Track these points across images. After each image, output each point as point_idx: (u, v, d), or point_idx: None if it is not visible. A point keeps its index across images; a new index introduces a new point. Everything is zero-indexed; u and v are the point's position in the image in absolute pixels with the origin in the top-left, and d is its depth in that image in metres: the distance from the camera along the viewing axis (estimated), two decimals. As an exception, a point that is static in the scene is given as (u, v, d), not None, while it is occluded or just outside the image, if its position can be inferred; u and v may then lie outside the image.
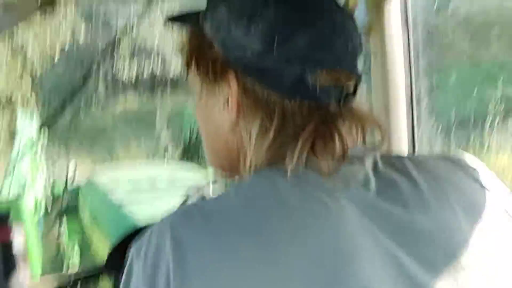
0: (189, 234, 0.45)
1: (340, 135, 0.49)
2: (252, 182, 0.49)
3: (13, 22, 0.74)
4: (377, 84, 1.09)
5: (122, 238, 1.42)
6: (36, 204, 2.68)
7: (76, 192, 3.17)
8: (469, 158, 0.56)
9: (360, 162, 0.50)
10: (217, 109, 0.55)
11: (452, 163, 0.55)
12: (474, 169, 0.55)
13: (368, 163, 0.51)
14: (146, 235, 0.48)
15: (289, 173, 0.47)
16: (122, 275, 1.33)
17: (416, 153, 1.10)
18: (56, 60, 9.88)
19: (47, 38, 10.21)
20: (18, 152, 3.03)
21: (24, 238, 2.26)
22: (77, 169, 3.82)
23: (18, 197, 2.42)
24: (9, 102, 9.32)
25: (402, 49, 1.08)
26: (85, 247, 2.24)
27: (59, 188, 3.69)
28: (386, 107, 1.09)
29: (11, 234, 1.15)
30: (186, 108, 4.75)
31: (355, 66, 0.53)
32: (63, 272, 3.46)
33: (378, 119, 0.55)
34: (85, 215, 2.24)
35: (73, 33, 10.65)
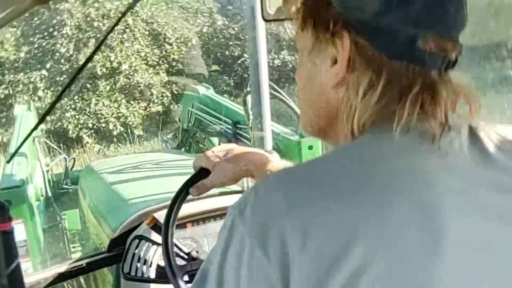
0: (300, 191, 0.47)
1: (443, 101, 0.51)
2: (358, 145, 0.52)
3: (6, 20, 0.74)
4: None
5: (123, 225, 1.43)
6: (36, 192, 2.68)
7: (75, 180, 3.17)
8: None
9: (457, 131, 0.52)
10: (325, 67, 0.56)
11: None
12: None
13: (464, 132, 0.53)
14: (247, 197, 0.49)
15: (396, 136, 0.49)
16: (123, 261, 1.33)
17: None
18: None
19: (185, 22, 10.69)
20: (17, 139, 3.03)
21: (25, 226, 2.28)
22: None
23: (18, 186, 2.43)
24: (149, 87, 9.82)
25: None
26: (86, 234, 2.25)
27: (59, 176, 3.69)
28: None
29: (12, 222, 1.15)
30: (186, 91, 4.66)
31: (458, 36, 0.54)
32: (65, 259, 3.48)
33: (472, 92, 0.55)
34: (85, 202, 2.25)
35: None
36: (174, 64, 10.51)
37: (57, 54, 9.46)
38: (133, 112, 9.81)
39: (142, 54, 10.01)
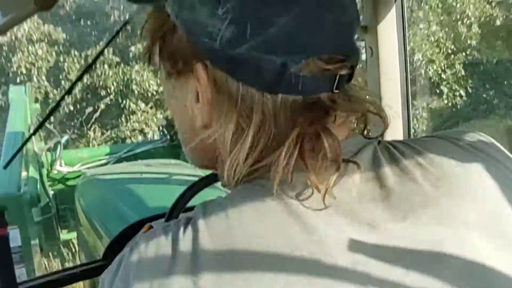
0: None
1: (331, 136, 0.41)
2: (226, 214, 0.40)
3: (8, 25, 0.74)
4: (373, 80, 1.09)
5: (119, 232, 1.43)
6: (32, 198, 2.67)
7: (72, 186, 3.16)
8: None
9: (359, 158, 0.43)
10: (189, 103, 0.46)
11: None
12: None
13: (365, 159, 0.44)
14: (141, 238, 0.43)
15: (274, 193, 0.40)
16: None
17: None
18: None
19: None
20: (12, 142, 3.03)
21: (20, 233, 2.26)
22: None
23: (14, 192, 2.42)
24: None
25: (397, 45, 1.09)
26: (82, 242, 2.24)
27: (55, 180, 3.68)
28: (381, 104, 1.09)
29: (7, 228, 1.14)
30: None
31: (350, 43, 0.44)
32: (61, 266, 3.46)
33: (378, 104, 0.47)
34: (81, 209, 2.24)
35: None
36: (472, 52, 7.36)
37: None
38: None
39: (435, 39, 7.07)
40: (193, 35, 0.43)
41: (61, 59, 8.80)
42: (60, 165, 3.65)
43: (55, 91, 8.57)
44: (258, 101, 0.41)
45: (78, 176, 2.94)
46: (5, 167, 2.28)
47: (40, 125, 1.78)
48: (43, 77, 8.57)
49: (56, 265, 3.32)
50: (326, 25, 0.41)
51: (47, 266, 2.88)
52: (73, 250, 3.60)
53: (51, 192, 3.43)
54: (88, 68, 1.39)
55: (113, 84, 8.38)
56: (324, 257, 0.38)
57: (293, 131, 0.41)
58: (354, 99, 0.44)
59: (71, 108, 8.80)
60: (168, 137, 4.08)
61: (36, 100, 8.24)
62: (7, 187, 2.43)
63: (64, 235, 3.53)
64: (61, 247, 3.69)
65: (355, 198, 0.42)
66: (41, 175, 3.28)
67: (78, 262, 2.67)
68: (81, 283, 1.58)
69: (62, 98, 1.59)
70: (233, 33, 0.40)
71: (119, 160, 3.86)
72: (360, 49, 0.45)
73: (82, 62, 8.66)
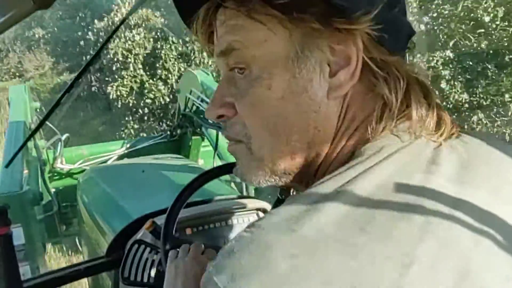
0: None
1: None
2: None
3: (7, 25, 0.74)
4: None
5: (122, 228, 1.43)
6: (34, 196, 2.68)
7: (73, 183, 3.17)
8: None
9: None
10: (316, 78, 0.43)
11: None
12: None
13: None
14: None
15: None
16: (122, 266, 1.33)
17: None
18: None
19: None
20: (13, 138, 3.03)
21: (24, 231, 2.27)
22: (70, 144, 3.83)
23: (17, 190, 2.42)
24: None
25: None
26: (85, 239, 2.25)
27: (56, 177, 3.68)
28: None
29: (10, 226, 1.15)
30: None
31: None
32: (63, 264, 3.47)
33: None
34: (83, 206, 2.25)
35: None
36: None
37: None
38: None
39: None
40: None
41: (158, 45, 8.03)
42: (61, 163, 3.65)
43: (150, 80, 7.98)
44: (398, 63, 0.45)
45: (80, 173, 2.95)
46: (7, 165, 2.28)
47: (41, 124, 1.77)
48: (140, 65, 7.94)
49: (59, 262, 3.33)
50: None
51: (51, 263, 2.89)
52: (76, 247, 3.61)
53: (52, 190, 3.44)
54: (88, 66, 1.38)
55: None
56: None
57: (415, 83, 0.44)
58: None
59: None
60: (169, 132, 4.08)
61: (131, 91, 7.60)
62: (10, 186, 2.43)
63: (66, 232, 3.54)
64: (64, 244, 3.71)
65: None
66: (42, 173, 3.28)
67: (82, 259, 2.68)
68: (84, 279, 1.58)
69: (62, 97, 1.57)
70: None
71: (120, 157, 3.86)
72: None
73: (180, 48, 7.97)
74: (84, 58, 10.73)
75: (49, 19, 13.42)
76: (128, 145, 3.97)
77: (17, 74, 14.65)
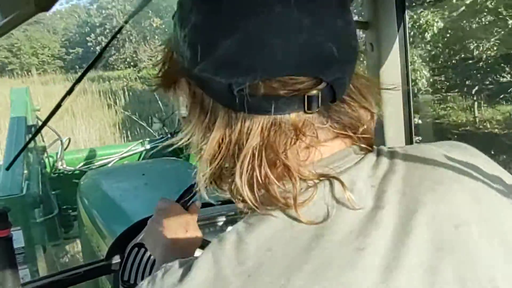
0: None
1: (288, 157, 0.44)
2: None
3: (8, 26, 0.74)
4: (373, 77, 1.09)
5: (121, 233, 1.43)
6: (34, 199, 2.68)
7: (73, 186, 3.17)
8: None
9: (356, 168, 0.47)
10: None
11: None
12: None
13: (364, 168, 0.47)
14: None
15: None
16: (122, 269, 1.33)
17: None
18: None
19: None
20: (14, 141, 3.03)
21: (23, 234, 2.26)
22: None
23: (17, 193, 2.42)
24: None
25: (397, 41, 1.08)
26: (85, 242, 2.25)
27: (56, 180, 3.68)
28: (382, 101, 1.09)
29: (10, 229, 1.14)
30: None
31: (322, 63, 0.43)
32: (63, 267, 3.47)
33: (366, 117, 0.49)
34: (83, 209, 2.25)
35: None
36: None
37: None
38: None
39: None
40: (177, 54, 0.48)
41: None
42: (62, 165, 3.65)
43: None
44: (222, 117, 0.45)
45: (80, 176, 2.95)
46: (8, 168, 2.28)
47: (42, 126, 1.77)
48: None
49: (59, 265, 3.33)
50: (275, 49, 0.42)
51: (50, 266, 2.88)
52: (76, 250, 3.60)
53: (53, 193, 3.44)
54: (88, 69, 1.39)
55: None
56: None
57: (250, 143, 0.44)
58: (335, 118, 0.47)
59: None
60: (169, 135, 4.08)
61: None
62: (10, 188, 2.43)
63: (66, 235, 3.53)
64: (64, 247, 3.70)
65: None
66: (43, 175, 3.28)
67: (81, 262, 2.67)
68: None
69: (63, 99, 1.58)
70: (190, 54, 0.45)
71: (121, 160, 3.86)
72: (344, 63, 0.45)
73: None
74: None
75: (167, 7, 13.20)
76: (128, 148, 3.98)
77: (132, 64, 15.15)
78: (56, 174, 3.64)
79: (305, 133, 0.45)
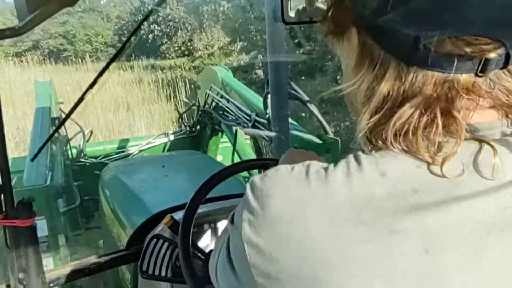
0: None
1: (452, 118, 0.44)
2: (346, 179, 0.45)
3: (36, 21, 0.76)
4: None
5: (141, 223, 1.45)
6: (57, 189, 2.74)
7: (95, 178, 3.23)
8: None
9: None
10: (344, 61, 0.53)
11: None
12: None
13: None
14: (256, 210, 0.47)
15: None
16: (141, 260, 1.35)
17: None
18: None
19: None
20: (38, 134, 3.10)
21: (47, 223, 2.32)
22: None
23: (41, 183, 2.48)
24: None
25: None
26: (106, 232, 2.29)
27: (78, 171, 3.76)
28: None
29: (34, 219, 1.18)
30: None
31: (500, 33, 0.43)
32: (85, 256, 3.54)
33: None
34: (104, 200, 2.29)
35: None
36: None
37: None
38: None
39: None
40: (352, 4, 0.49)
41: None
42: (84, 157, 3.72)
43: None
44: (393, 69, 0.45)
45: (101, 168, 3.00)
46: (33, 159, 2.34)
47: (66, 118, 1.81)
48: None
49: (80, 254, 3.40)
50: (473, 6, 0.42)
51: (72, 255, 2.95)
52: (97, 239, 3.67)
53: (75, 184, 3.51)
54: (114, 59, 1.41)
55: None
56: None
57: (413, 101, 0.44)
58: (499, 87, 0.45)
59: None
60: (188, 128, 4.11)
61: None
62: (35, 179, 2.49)
63: (87, 225, 3.60)
64: (85, 236, 3.78)
65: None
66: (66, 166, 3.35)
67: (102, 252, 2.73)
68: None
69: (87, 91, 1.61)
70: (378, 3, 0.45)
71: (141, 152, 3.91)
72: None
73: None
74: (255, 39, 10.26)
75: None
76: (148, 141, 4.02)
77: (186, 52, 14.12)
78: (79, 166, 3.71)
79: (472, 95, 0.45)
